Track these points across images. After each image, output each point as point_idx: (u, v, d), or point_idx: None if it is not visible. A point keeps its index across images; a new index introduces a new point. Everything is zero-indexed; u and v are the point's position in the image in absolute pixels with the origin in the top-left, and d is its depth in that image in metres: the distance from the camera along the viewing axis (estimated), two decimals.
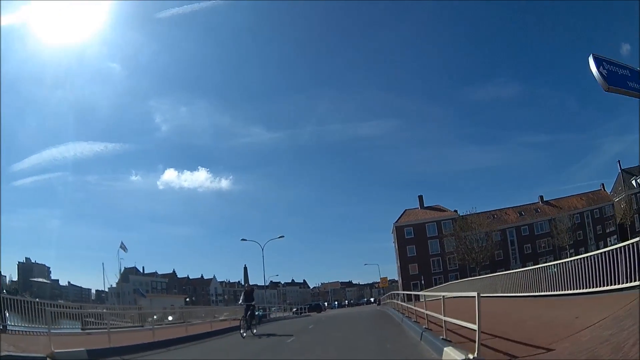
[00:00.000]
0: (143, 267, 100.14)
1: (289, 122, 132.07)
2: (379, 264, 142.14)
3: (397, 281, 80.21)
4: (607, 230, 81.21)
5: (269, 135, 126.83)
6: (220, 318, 28.62)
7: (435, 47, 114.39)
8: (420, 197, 75.83)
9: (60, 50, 72.61)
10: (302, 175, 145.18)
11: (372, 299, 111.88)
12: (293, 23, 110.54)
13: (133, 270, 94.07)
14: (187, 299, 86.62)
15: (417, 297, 15.84)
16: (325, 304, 77.54)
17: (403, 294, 23.45)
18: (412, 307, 14.91)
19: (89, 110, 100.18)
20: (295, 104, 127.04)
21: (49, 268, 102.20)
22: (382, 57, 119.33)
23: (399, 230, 71.77)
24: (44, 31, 58.54)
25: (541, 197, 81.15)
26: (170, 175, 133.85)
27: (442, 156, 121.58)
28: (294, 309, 55.04)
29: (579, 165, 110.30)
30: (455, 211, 72.25)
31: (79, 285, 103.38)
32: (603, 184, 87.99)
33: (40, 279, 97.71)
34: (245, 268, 57.17)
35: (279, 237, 48.66)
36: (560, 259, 15.32)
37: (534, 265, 17.80)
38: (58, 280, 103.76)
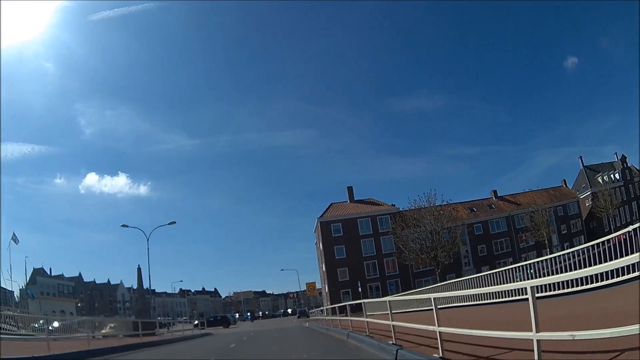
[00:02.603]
0: (50, 269, 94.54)
1: (207, 130, 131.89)
2: (297, 272, 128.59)
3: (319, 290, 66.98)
4: (573, 230, 71.85)
5: (188, 142, 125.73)
6: (102, 331, 22.87)
7: (357, 58, 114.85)
8: (350, 189, 62.70)
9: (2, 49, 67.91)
10: (219, 183, 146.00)
11: (289, 310, 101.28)
12: (219, 28, 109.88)
13: (41, 272, 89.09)
14: (80, 304, 76.45)
15: None
16: (237, 315, 63.65)
17: None
18: None
19: (21, 111, 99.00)
20: (214, 111, 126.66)
21: None
22: (305, 67, 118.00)
23: (324, 227, 58.52)
24: None
25: (494, 191, 70.87)
26: (91, 180, 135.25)
27: (364, 167, 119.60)
28: (196, 322, 46.56)
29: (509, 176, 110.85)
30: (393, 205, 60.62)
31: (4, 287, 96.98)
32: (565, 180, 79.51)
33: None
34: (139, 269, 44.55)
35: (170, 224, 41.54)
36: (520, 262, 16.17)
37: (490, 269, 19.97)
38: None
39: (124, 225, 38.66)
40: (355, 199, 62.29)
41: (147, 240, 36.75)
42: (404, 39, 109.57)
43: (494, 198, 69.47)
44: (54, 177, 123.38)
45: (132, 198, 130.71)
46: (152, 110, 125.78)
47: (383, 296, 53.02)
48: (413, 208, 47.40)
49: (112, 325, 25.99)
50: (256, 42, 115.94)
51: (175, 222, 39.74)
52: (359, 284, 50.25)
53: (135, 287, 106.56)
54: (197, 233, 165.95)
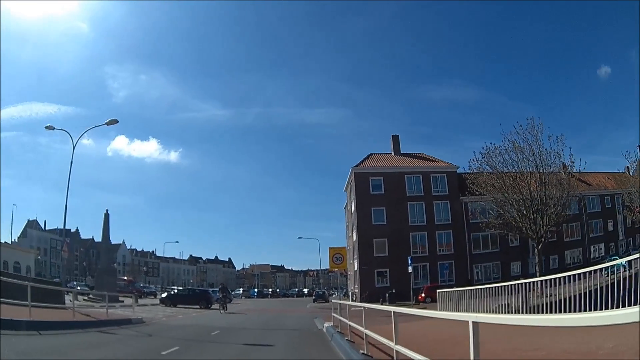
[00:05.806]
0: (45, 222, 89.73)
1: (238, 101, 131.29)
2: (318, 241, 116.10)
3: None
4: (637, 225, 59.11)
5: (219, 111, 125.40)
6: None
7: (395, 43, 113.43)
8: (395, 138, 47.45)
9: (35, 5, 65.66)
10: (247, 155, 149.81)
11: (305, 290, 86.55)
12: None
13: (34, 224, 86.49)
14: (39, 257, 67.87)
15: None
16: (241, 290, 49.14)
17: None
18: None
19: (50, 70, 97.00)
20: (247, 82, 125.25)
21: None
22: (342, 46, 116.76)
23: (359, 181, 42.71)
24: None
25: (563, 164, 56.31)
26: (120, 143, 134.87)
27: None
28: (164, 295, 38.05)
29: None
30: (450, 164, 44.91)
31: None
32: (628, 167, 66.25)
33: None
34: (107, 215, 34.97)
35: (108, 123, 30.97)
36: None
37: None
38: None
39: (48, 127, 29.67)
40: (401, 152, 46.06)
41: (74, 147, 26.95)
42: (442, 29, 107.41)
43: (563, 174, 55.04)
44: (82, 138, 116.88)
45: (161, 164, 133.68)
46: (186, 78, 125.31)
47: (431, 283, 37.28)
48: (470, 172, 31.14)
49: None
50: (294, 17, 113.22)
51: (117, 121, 30.46)
52: (410, 262, 33.61)
53: (143, 249, 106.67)
54: (220, 202, 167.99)
